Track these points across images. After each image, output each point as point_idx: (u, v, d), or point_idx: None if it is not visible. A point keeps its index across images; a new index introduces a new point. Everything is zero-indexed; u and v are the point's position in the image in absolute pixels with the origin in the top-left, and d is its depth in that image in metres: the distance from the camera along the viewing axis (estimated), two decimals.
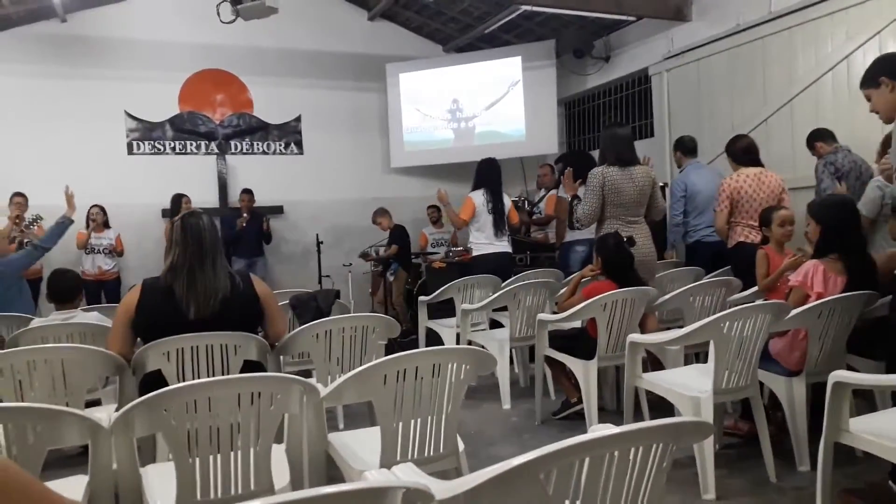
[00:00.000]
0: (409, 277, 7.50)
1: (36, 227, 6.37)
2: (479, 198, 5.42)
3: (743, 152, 4.65)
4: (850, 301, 3.00)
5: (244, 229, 7.52)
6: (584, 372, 3.57)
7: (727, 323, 2.85)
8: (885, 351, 2.95)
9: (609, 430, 1.37)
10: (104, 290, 6.92)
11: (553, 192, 6.40)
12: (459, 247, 7.22)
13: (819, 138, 4.69)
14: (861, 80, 2.93)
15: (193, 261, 2.61)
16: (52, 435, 1.84)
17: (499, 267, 5.22)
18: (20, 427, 1.80)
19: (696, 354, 3.88)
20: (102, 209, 7.12)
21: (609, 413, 3.89)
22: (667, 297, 3.84)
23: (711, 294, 3.93)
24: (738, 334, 2.87)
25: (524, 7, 6.74)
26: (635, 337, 3.28)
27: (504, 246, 5.46)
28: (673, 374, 3.29)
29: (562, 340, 3.80)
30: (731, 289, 3.98)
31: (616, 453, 1.35)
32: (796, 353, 3.08)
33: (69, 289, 3.66)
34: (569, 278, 4.72)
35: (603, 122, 8.36)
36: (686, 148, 5.49)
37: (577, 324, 3.88)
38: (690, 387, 2.96)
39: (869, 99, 2.89)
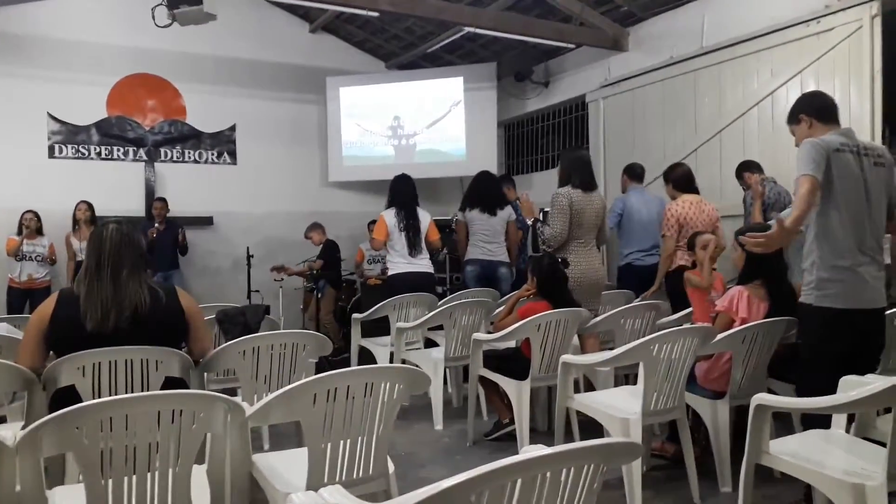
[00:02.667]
0: (343, 295, 7.39)
1: None
2: (390, 217, 5.35)
3: (680, 179, 4.82)
4: (773, 326, 3.11)
5: (158, 240, 7.14)
6: (517, 392, 3.58)
7: (656, 345, 2.91)
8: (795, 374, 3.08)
9: (541, 450, 1.36)
10: (31, 299, 6.51)
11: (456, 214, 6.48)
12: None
13: (747, 169, 4.90)
14: (787, 117, 3.08)
15: (92, 272, 2.51)
16: None
17: (416, 287, 5.08)
18: None
19: (626, 376, 3.95)
20: (37, 215, 6.74)
21: (540, 434, 3.90)
22: (598, 318, 3.91)
23: (642, 317, 4.02)
24: (667, 357, 2.94)
25: (467, 28, 6.82)
26: (568, 358, 3.31)
27: (423, 265, 5.37)
28: (603, 396, 3.34)
29: (496, 360, 3.80)
30: (660, 312, 4.09)
31: (548, 474, 1.35)
32: (720, 377, 3.18)
33: None
34: (504, 298, 4.75)
35: (541, 146, 8.51)
36: (634, 173, 5.64)
37: (513, 344, 3.89)
38: (620, 408, 3.00)
39: (793, 134, 3.04)
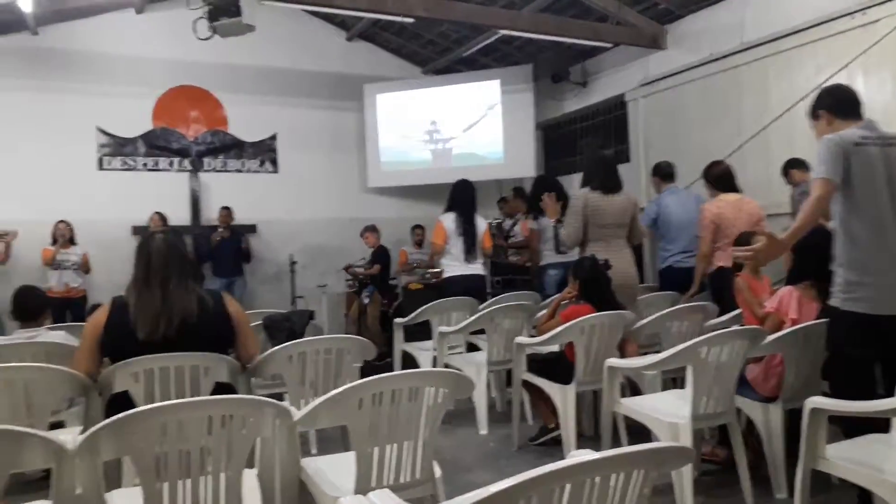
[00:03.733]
0: (385, 301, 7.43)
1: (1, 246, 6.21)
2: (449, 221, 5.36)
3: (719, 178, 4.70)
4: (825, 327, 3.02)
5: (221, 248, 7.38)
6: (562, 397, 3.54)
7: (704, 348, 2.85)
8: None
9: (590, 455, 1.35)
10: (70, 308, 6.72)
11: (524, 219, 6.46)
12: (436, 268, 7.18)
13: (794, 166, 4.77)
14: (808, 113, 2.95)
15: (141, 282, 2.58)
16: (14, 458, 1.76)
17: (470, 289, 5.14)
18: None
19: (673, 379, 3.88)
20: (69, 225, 6.97)
21: (587, 439, 3.85)
22: (644, 321, 3.84)
23: (689, 319, 3.94)
24: (716, 360, 2.87)
25: (502, 31, 6.82)
26: (613, 362, 3.27)
27: (476, 268, 5.40)
28: (651, 400, 3.28)
29: (540, 364, 3.77)
30: (707, 314, 4.00)
31: (597, 480, 1.33)
32: (772, 380, 3.09)
33: (35, 307, 3.54)
34: (547, 301, 4.71)
35: (580, 147, 8.45)
36: (663, 173, 5.51)
37: (556, 348, 3.85)
38: (669, 412, 2.95)
39: (814, 130, 2.90)
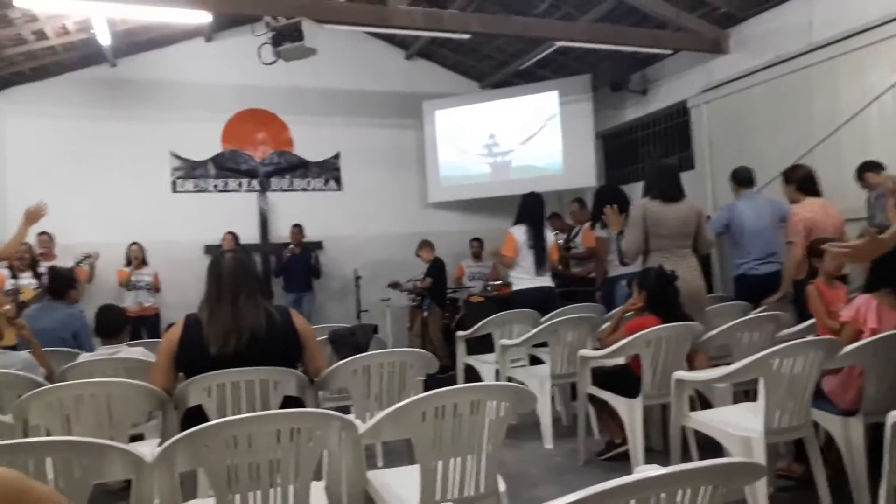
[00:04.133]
0: (446, 313, 7.47)
1: (83, 267, 6.55)
2: (520, 233, 5.36)
3: (802, 182, 4.52)
4: None
5: (292, 264, 7.63)
6: (629, 411, 3.47)
7: (777, 360, 2.75)
8: None
9: (655, 471, 1.33)
10: (145, 326, 7.03)
11: (586, 226, 6.36)
12: (498, 280, 7.18)
13: (869, 169, 4.56)
14: None
15: (213, 299, 2.68)
16: (98, 469, 1.85)
17: (540, 302, 5.10)
18: (67, 461, 1.82)
19: (745, 392, 3.75)
20: (141, 246, 7.30)
21: (656, 454, 3.76)
22: (713, 332, 3.73)
23: (760, 329, 3.81)
24: (790, 371, 2.77)
25: (559, 43, 6.80)
26: (681, 374, 3.19)
27: (547, 281, 5.38)
28: (721, 413, 3.18)
29: (605, 377, 3.71)
30: (780, 324, 3.86)
31: (663, 496, 1.30)
32: (851, 392, 2.95)
33: (116, 325, 3.73)
34: (611, 313, 4.64)
35: (641, 155, 8.31)
36: (739, 178, 5.27)
37: (621, 360, 3.79)
38: (740, 426, 2.85)
39: None
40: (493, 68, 8.96)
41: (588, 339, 4.35)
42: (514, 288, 5.40)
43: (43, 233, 6.79)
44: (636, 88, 7.88)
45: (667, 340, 3.46)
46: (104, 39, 6.57)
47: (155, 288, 7.31)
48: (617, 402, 3.58)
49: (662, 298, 3.69)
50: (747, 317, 4.10)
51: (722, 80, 6.64)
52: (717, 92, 6.71)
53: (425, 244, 7.74)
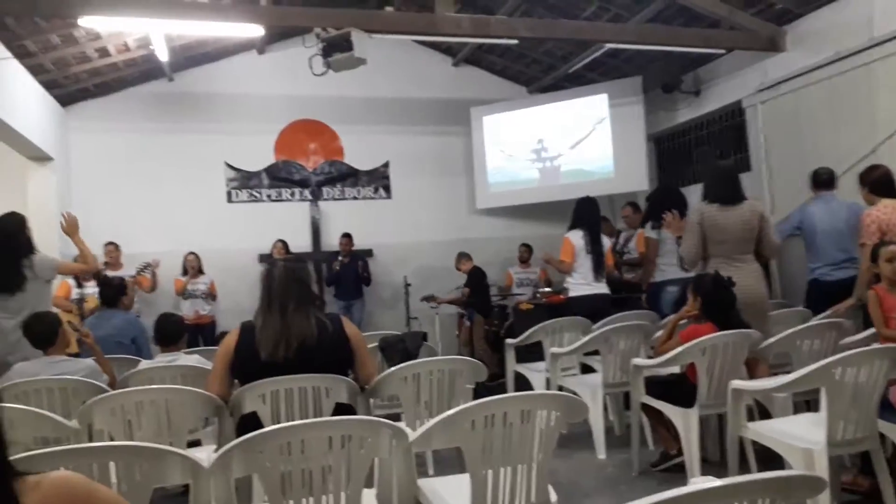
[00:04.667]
0: (496, 320, 7.44)
1: (145, 275, 6.78)
2: (577, 238, 5.29)
3: (877, 183, 4.30)
4: None
5: (342, 272, 7.73)
6: (684, 421, 3.39)
7: (839, 369, 2.65)
8: None
9: (711, 482, 1.30)
10: (201, 333, 7.19)
11: (640, 230, 6.25)
12: (548, 287, 7.12)
13: None
14: None
15: (265, 307, 2.74)
16: (158, 473, 1.91)
17: (597, 309, 4.98)
18: (129, 465, 1.88)
19: (806, 402, 3.62)
20: (197, 256, 7.49)
21: (712, 465, 3.66)
22: (771, 340, 3.62)
23: (821, 337, 3.67)
24: (853, 381, 2.66)
25: (608, 45, 6.71)
26: (738, 383, 3.10)
27: (604, 288, 5.29)
28: (781, 424, 3.07)
29: (659, 387, 3.63)
30: (842, 332, 3.71)
31: None
32: None
33: (174, 332, 3.85)
34: (664, 321, 4.55)
35: (695, 157, 8.14)
36: (816, 180, 5.03)
37: (676, 369, 3.71)
38: (801, 437, 2.76)
39: None
40: (541, 72, 8.91)
41: (641, 348, 4.27)
42: (571, 294, 5.32)
43: (109, 243, 7.05)
44: (689, 89, 7.73)
45: (723, 348, 3.37)
46: (162, 55, 6.80)
47: (211, 296, 7.49)
48: (672, 411, 3.50)
49: (718, 305, 3.59)
50: (808, 324, 3.95)
51: (778, 78, 6.45)
52: (774, 91, 6.51)
53: (462, 256, 7.78)
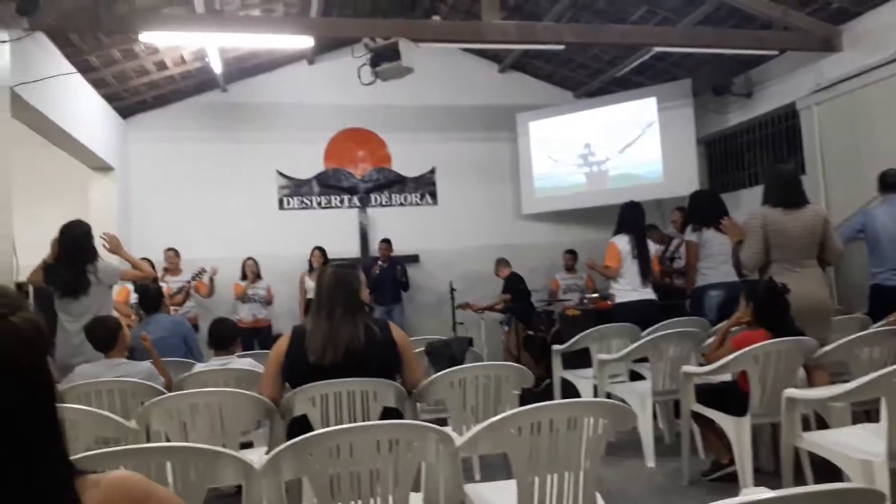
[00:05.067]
0: (541, 326, 7.39)
1: (198, 282, 6.98)
2: (623, 243, 5.23)
3: None
4: None
5: (381, 278, 7.80)
6: (736, 429, 3.32)
7: None
8: None
9: (765, 493, 1.27)
10: (257, 338, 7.31)
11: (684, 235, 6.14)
12: (595, 293, 7.05)
13: None
14: None
15: (315, 311, 2.81)
16: (212, 474, 1.97)
17: (645, 316, 4.90)
18: (185, 465, 1.94)
19: (866, 412, 3.49)
20: (255, 261, 7.66)
21: (766, 475, 3.56)
22: (828, 348, 3.51)
23: (882, 345, 3.54)
24: None
25: (656, 49, 6.63)
26: (793, 392, 3.02)
27: (651, 293, 5.21)
28: (839, 434, 2.98)
29: (710, 395, 3.56)
30: None
31: None
32: None
33: (227, 336, 3.95)
34: (716, 328, 4.45)
35: (747, 161, 7.96)
36: (884, 182, 4.89)
37: (727, 377, 3.63)
38: (860, 449, 2.66)
39: None
40: (588, 77, 8.85)
41: (691, 355, 4.19)
42: (618, 300, 5.25)
43: (170, 249, 7.27)
44: (740, 91, 7.56)
45: (776, 356, 3.29)
46: (216, 67, 7.01)
47: (267, 301, 7.64)
48: (723, 420, 3.43)
49: (772, 312, 3.50)
50: (867, 331, 3.82)
51: (834, 79, 6.26)
52: (830, 92, 6.32)
53: (500, 262, 7.78)
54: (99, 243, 4.44)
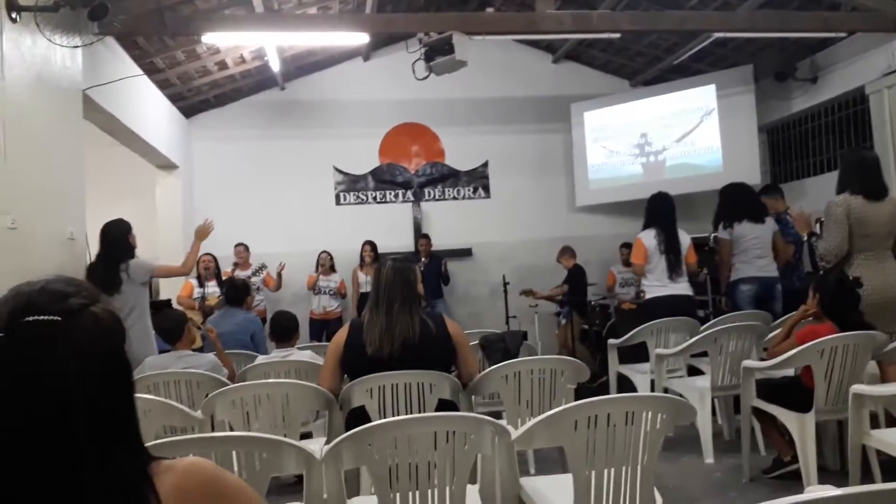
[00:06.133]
0: (597, 320, 7.32)
1: (264, 275, 7.19)
2: (649, 238, 5.13)
3: None
4: None
5: (424, 273, 7.81)
6: (800, 426, 3.23)
7: None
8: None
9: (830, 491, 1.24)
10: (327, 329, 7.45)
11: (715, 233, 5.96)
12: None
13: None
14: None
15: (373, 305, 2.86)
16: (275, 463, 2.03)
17: (675, 311, 4.80)
18: (249, 454, 2.02)
19: None
20: (330, 254, 7.80)
21: (831, 474, 3.46)
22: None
23: None
24: None
25: (716, 34, 6.44)
26: (861, 388, 2.92)
27: (682, 288, 5.07)
28: None
29: (772, 390, 3.48)
30: None
31: None
32: None
33: (288, 329, 4.06)
34: (779, 321, 4.34)
35: (812, 149, 7.67)
36: None
37: (790, 372, 3.53)
38: None
39: None
40: (645, 65, 8.67)
41: (753, 349, 4.09)
42: (647, 296, 5.16)
43: (239, 244, 7.48)
44: (805, 77, 7.29)
45: (843, 350, 3.18)
46: (275, 65, 7.16)
47: (340, 294, 7.76)
48: (786, 416, 3.34)
49: (840, 305, 3.39)
50: None
51: None
52: None
53: (566, 250, 7.69)
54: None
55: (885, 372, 3.46)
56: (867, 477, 2.94)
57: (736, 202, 5.25)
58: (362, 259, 7.80)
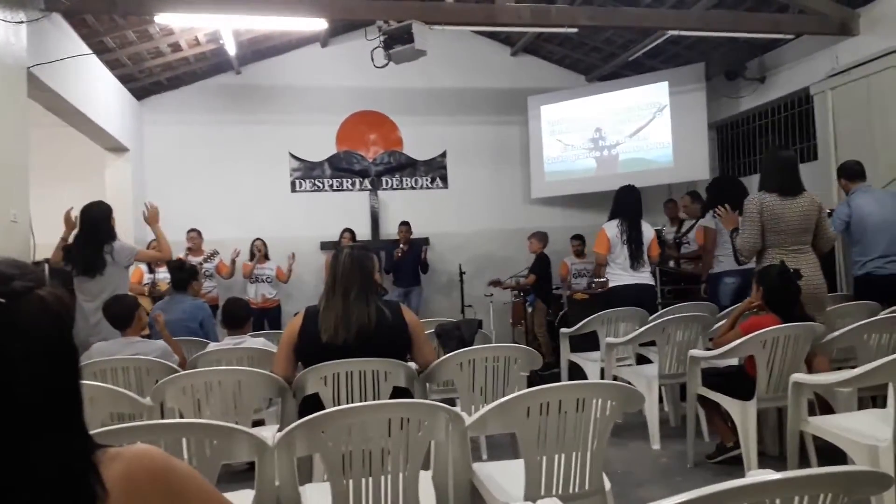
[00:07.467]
0: (549, 309, 7.44)
1: (217, 261, 7.07)
2: (612, 229, 5.24)
3: None
4: None
5: (402, 259, 7.85)
6: (742, 413, 3.35)
7: None
8: None
9: (770, 475, 1.29)
10: (266, 317, 7.40)
11: (701, 223, 6.12)
12: (603, 278, 7.06)
13: None
14: None
15: (328, 292, 2.84)
16: (226, 450, 2.01)
17: (639, 300, 4.96)
18: (200, 442, 1.99)
19: (872, 398, 3.51)
20: (264, 242, 7.71)
21: (770, 458, 3.60)
22: (836, 334, 3.52)
23: (890, 331, 3.55)
24: None
25: (671, 32, 6.58)
26: (800, 377, 3.04)
27: (644, 278, 5.22)
28: (845, 419, 3.00)
29: (717, 378, 3.59)
30: None
31: (778, 501, 1.27)
32: None
33: (241, 316, 4.01)
34: (723, 312, 4.47)
35: (759, 146, 7.91)
36: (851, 173, 4.91)
37: (734, 361, 3.65)
38: (866, 434, 2.68)
39: None
40: (601, 61, 8.79)
41: (699, 339, 4.22)
42: (612, 285, 5.28)
43: (192, 230, 7.34)
44: (753, 76, 7.50)
45: (784, 341, 3.31)
46: (231, 49, 7.02)
47: (279, 280, 7.68)
48: (729, 404, 3.46)
49: (782, 297, 3.51)
50: (876, 318, 3.82)
51: (850, 64, 6.20)
52: (845, 77, 6.26)
53: (537, 234, 7.74)
54: (118, 224, 4.51)
55: (811, 362, 3.60)
56: (804, 461, 3.07)
57: (726, 195, 5.31)
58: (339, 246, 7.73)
